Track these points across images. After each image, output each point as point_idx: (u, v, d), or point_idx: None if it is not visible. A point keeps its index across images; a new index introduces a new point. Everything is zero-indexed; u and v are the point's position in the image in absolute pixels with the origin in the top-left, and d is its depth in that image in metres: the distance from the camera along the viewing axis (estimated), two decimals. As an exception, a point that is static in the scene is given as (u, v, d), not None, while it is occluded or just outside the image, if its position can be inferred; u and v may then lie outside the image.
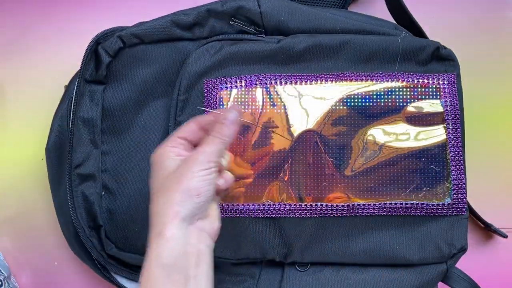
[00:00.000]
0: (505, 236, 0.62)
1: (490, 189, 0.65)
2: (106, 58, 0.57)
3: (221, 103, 0.55)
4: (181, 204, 0.41)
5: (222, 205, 0.54)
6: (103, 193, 0.58)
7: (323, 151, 0.54)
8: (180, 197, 0.41)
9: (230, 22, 0.57)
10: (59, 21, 0.69)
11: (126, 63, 0.58)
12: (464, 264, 0.58)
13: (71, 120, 0.58)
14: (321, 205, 0.53)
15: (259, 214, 0.54)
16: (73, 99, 0.57)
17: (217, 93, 0.55)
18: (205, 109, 0.54)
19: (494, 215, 0.63)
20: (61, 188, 0.59)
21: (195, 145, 0.46)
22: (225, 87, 0.55)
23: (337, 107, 0.54)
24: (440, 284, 0.58)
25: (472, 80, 0.58)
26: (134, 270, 0.59)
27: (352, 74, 0.55)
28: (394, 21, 0.61)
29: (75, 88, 0.58)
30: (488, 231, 0.64)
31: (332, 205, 0.53)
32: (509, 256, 0.65)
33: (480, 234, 0.65)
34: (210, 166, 0.43)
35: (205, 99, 0.55)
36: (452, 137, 0.54)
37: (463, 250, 0.55)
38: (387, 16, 0.61)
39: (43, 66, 0.68)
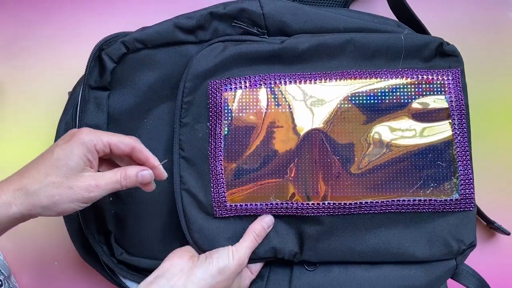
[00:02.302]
0: (508, 233, 0.62)
1: (493, 186, 0.65)
2: (110, 64, 0.57)
3: (226, 104, 0.55)
4: None
5: (230, 205, 0.54)
6: (111, 198, 0.58)
7: (329, 149, 0.54)
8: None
9: (233, 24, 0.57)
10: (59, 27, 0.69)
11: (130, 68, 0.58)
12: (467, 261, 0.57)
13: (77, 127, 0.58)
14: (329, 203, 0.53)
15: (266, 213, 0.54)
16: (79, 106, 0.58)
17: (221, 94, 0.55)
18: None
19: (496, 212, 0.63)
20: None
21: (104, 158, 0.50)
22: (230, 88, 0.55)
23: (342, 106, 0.54)
24: (449, 280, 0.58)
25: (473, 78, 0.58)
26: (144, 275, 0.59)
27: (357, 72, 0.55)
28: (396, 19, 0.61)
29: (80, 95, 0.58)
30: (490, 228, 0.64)
31: (339, 204, 0.53)
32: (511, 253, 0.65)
33: (483, 231, 0.65)
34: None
35: (210, 100, 0.55)
36: (458, 132, 0.54)
37: (472, 245, 0.55)
38: (389, 14, 0.61)
39: (44, 68, 0.69)
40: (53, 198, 0.45)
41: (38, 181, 0.45)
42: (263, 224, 0.54)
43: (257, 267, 0.56)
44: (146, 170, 0.50)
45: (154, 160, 0.50)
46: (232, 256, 0.51)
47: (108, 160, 0.52)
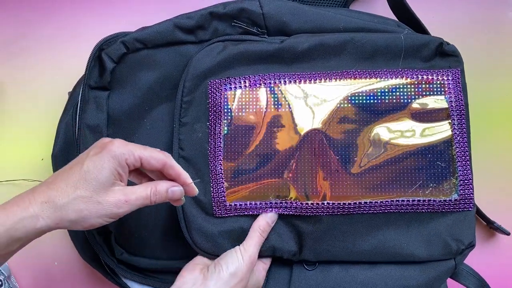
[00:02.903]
0: (508, 233, 0.62)
1: (493, 186, 0.65)
2: (110, 64, 0.57)
3: (226, 103, 0.55)
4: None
5: (229, 204, 0.54)
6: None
7: (328, 149, 0.54)
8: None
9: (233, 24, 0.57)
10: (59, 27, 0.70)
11: (130, 68, 0.58)
12: (466, 261, 0.57)
13: (77, 127, 0.58)
14: (328, 203, 0.53)
15: (266, 212, 0.54)
16: (78, 106, 0.58)
17: (221, 93, 0.55)
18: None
19: (496, 212, 0.63)
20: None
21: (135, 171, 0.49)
22: (229, 87, 0.55)
23: (342, 106, 0.54)
24: (449, 280, 0.58)
25: (473, 78, 0.58)
26: (145, 274, 0.59)
27: (356, 72, 0.55)
28: (396, 19, 0.61)
29: (80, 95, 0.58)
30: (490, 228, 0.64)
31: (339, 203, 0.53)
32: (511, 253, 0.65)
33: (483, 231, 0.65)
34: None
35: (210, 100, 0.55)
36: (457, 132, 0.54)
37: (471, 246, 0.55)
38: (389, 14, 0.61)
39: (44, 68, 0.69)
40: (81, 213, 0.44)
41: (67, 195, 0.43)
42: (267, 219, 0.54)
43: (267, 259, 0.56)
44: (176, 187, 0.48)
45: (185, 176, 0.48)
46: (242, 257, 0.51)
47: (137, 169, 0.50)
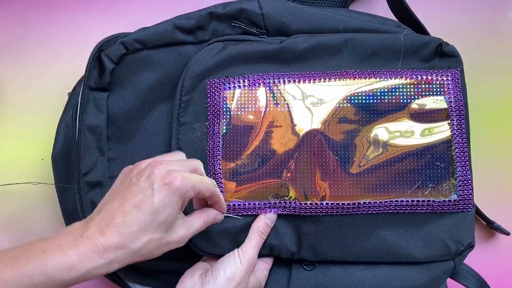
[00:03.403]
0: (508, 233, 0.62)
1: (493, 186, 0.65)
2: (110, 64, 0.57)
3: (224, 103, 0.55)
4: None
5: (228, 204, 0.54)
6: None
7: (327, 149, 0.54)
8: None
9: (232, 24, 0.57)
10: (59, 27, 0.70)
11: (130, 69, 0.58)
12: (466, 261, 0.57)
13: (77, 128, 0.58)
14: (327, 203, 0.53)
15: (265, 212, 0.54)
16: (78, 107, 0.58)
17: (220, 93, 0.55)
18: None
19: (496, 212, 0.63)
20: (68, 195, 0.59)
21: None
22: (228, 87, 0.55)
23: (341, 106, 0.54)
24: (449, 280, 0.58)
25: (472, 78, 0.58)
26: (145, 275, 0.59)
27: (356, 72, 0.55)
28: (396, 19, 0.61)
29: (80, 96, 0.58)
30: (490, 228, 0.64)
31: (338, 203, 0.53)
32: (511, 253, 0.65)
33: (483, 231, 0.65)
34: None
35: (208, 99, 0.55)
36: (457, 133, 0.54)
37: (470, 246, 0.55)
38: (389, 14, 0.61)
39: (44, 68, 0.69)
40: (152, 253, 0.44)
41: (140, 239, 0.43)
42: (266, 220, 0.54)
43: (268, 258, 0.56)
44: (220, 214, 0.51)
45: (224, 205, 0.51)
46: (240, 260, 0.51)
47: None
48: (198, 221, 0.48)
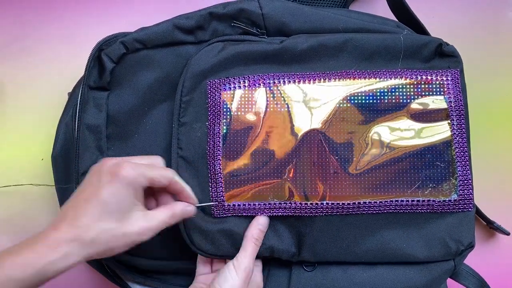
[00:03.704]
0: (508, 233, 0.62)
1: (493, 186, 0.65)
2: (110, 64, 0.57)
3: (225, 103, 0.55)
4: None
5: (228, 204, 0.54)
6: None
7: (327, 149, 0.54)
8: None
9: (232, 24, 0.57)
10: (59, 27, 0.70)
11: (130, 68, 0.58)
12: (466, 261, 0.57)
13: (76, 127, 0.58)
14: (327, 203, 0.53)
15: (265, 213, 0.54)
16: (78, 107, 0.58)
17: (220, 93, 0.55)
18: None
19: (496, 212, 0.63)
20: (68, 195, 0.59)
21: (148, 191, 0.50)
22: (229, 87, 0.55)
23: (341, 106, 0.54)
24: (449, 280, 0.58)
25: (472, 78, 0.58)
26: (145, 275, 0.59)
27: (356, 72, 0.55)
28: (395, 19, 0.61)
29: (80, 96, 0.58)
30: (490, 228, 0.64)
31: (338, 203, 0.53)
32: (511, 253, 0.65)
33: (483, 231, 0.65)
34: None
35: (209, 99, 0.55)
36: (457, 133, 0.54)
37: (470, 246, 0.55)
38: (389, 15, 0.61)
39: (44, 68, 0.69)
40: (108, 244, 0.45)
41: (91, 229, 0.44)
42: (259, 227, 0.53)
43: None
44: (189, 206, 0.51)
45: (189, 195, 0.51)
46: (236, 272, 0.50)
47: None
48: (161, 213, 0.48)
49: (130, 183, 0.46)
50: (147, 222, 0.47)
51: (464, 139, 0.54)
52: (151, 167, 0.48)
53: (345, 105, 0.54)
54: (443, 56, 0.55)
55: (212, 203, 0.53)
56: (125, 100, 0.58)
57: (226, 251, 0.54)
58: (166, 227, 0.48)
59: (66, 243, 0.43)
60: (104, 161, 0.48)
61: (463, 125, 0.54)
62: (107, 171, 0.46)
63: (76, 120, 0.58)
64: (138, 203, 0.47)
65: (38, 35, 0.69)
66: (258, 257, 0.54)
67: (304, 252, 0.55)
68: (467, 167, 0.54)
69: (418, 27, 0.59)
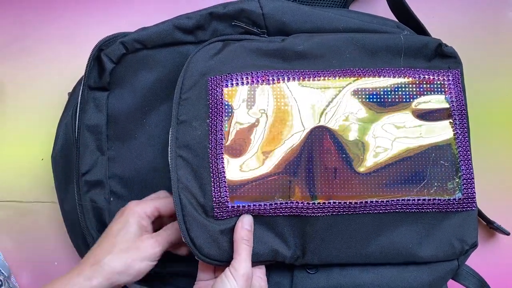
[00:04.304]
0: (508, 233, 0.62)
1: (493, 186, 0.65)
2: (109, 64, 0.57)
3: (226, 100, 0.54)
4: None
5: (232, 205, 0.52)
6: (111, 198, 0.58)
7: (333, 148, 0.53)
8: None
9: (233, 24, 0.57)
10: (59, 27, 0.69)
11: (129, 69, 0.58)
12: (466, 261, 0.57)
13: (76, 128, 0.58)
14: (334, 202, 0.53)
15: (271, 213, 0.53)
16: (78, 107, 0.58)
17: (221, 90, 0.53)
18: None
19: (496, 212, 0.63)
20: (68, 195, 0.59)
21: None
22: (230, 83, 0.54)
23: (346, 103, 0.54)
24: (449, 281, 0.58)
25: (472, 78, 0.58)
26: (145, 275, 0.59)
27: (360, 70, 0.54)
28: (395, 19, 0.61)
29: (80, 96, 0.58)
30: (490, 228, 0.64)
31: (344, 203, 0.53)
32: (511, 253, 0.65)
33: (483, 231, 0.65)
34: None
35: (210, 96, 0.53)
36: (459, 132, 0.54)
37: (474, 246, 0.55)
38: (389, 15, 0.61)
39: (44, 68, 0.69)
40: (125, 261, 0.50)
41: (108, 252, 0.50)
42: (246, 227, 0.52)
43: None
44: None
45: None
46: (234, 279, 0.49)
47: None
48: (162, 231, 0.54)
49: (136, 212, 0.53)
50: (153, 237, 0.53)
51: (466, 138, 0.54)
52: (157, 198, 0.56)
53: (349, 102, 0.54)
54: (442, 57, 0.55)
55: None
56: (125, 100, 0.58)
57: (228, 255, 0.52)
58: (173, 242, 0.54)
59: (88, 267, 0.50)
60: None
61: (465, 124, 0.54)
62: (118, 212, 0.55)
63: (76, 120, 0.58)
64: (147, 230, 0.54)
65: (38, 35, 0.69)
66: (260, 262, 0.53)
67: (309, 254, 0.54)
68: (470, 166, 0.54)
69: (418, 27, 0.59)
